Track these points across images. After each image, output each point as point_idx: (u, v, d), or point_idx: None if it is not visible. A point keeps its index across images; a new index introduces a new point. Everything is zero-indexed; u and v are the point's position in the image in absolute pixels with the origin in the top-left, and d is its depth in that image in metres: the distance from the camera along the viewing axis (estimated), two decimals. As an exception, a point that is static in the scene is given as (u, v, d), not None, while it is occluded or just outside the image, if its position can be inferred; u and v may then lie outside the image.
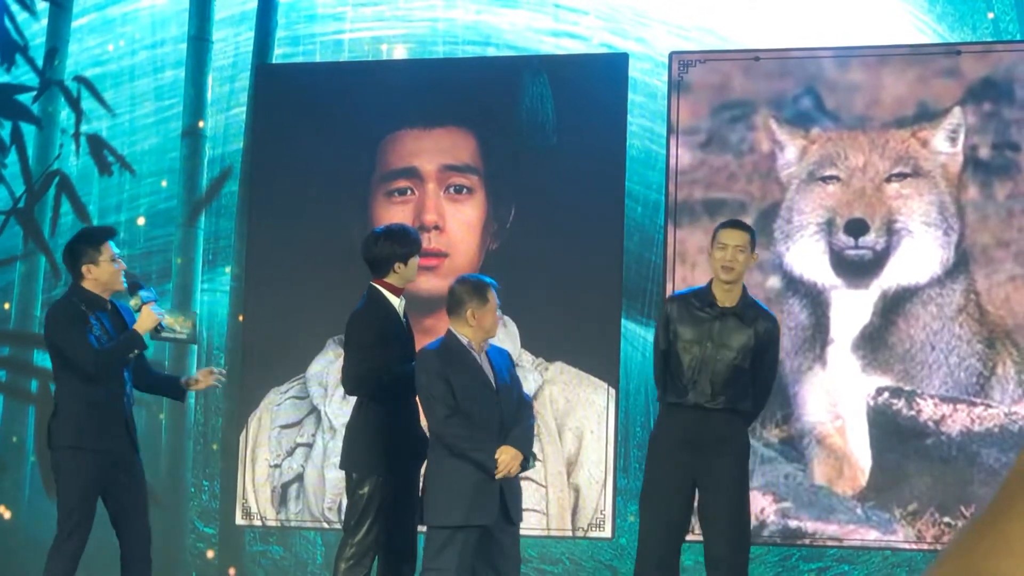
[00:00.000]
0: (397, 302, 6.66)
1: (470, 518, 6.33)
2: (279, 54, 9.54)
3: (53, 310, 6.82)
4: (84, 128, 9.72)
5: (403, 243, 6.64)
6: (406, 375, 6.54)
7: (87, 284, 6.75)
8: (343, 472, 6.76)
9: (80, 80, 9.78)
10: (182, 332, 6.95)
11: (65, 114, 9.78)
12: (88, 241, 6.81)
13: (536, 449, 6.59)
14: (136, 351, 6.77)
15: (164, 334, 6.85)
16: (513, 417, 6.45)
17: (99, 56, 9.83)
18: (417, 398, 6.50)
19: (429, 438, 6.44)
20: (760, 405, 6.47)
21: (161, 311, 6.83)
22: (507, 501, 6.43)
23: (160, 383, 7.15)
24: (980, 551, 0.74)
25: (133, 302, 6.79)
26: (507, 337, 8.78)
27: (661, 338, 6.47)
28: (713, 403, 6.31)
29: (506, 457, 6.32)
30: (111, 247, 6.77)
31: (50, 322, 6.75)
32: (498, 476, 6.33)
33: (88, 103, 9.75)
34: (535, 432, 6.71)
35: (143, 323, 6.72)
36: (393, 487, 6.60)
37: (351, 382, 6.61)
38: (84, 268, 6.73)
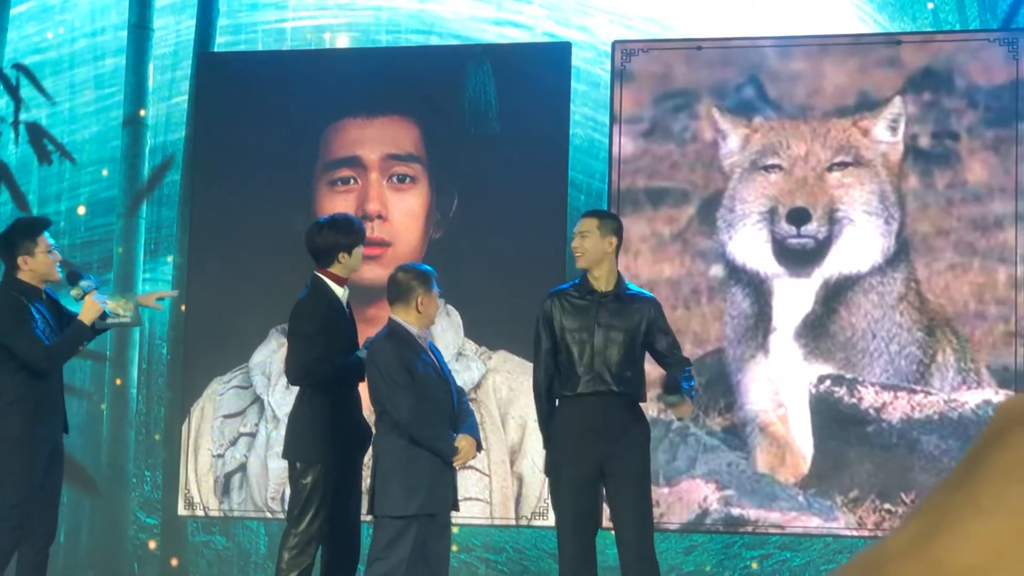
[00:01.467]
0: (341, 292, 6.66)
1: (425, 507, 6.33)
2: (221, 43, 9.49)
3: None
4: (23, 116, 9.64)
5: (347, 233, 6.64)
6: (350, 365, 6.55)
7: (23, 275, 6.69)
8: (286, 462, 6.75)
9: (19, 68, 9.70)
10: (126, 316, 6.91)
11: (4, 102, 9.69)
12: (24, 232, 6.75)
13: (480, 438, 6.63)
14: (85, 343, 6.73)
15: (109, 320, 6.80)
16: (458, 406, 6.50)
17: (38, 44, 9.75)
18: (366, 387, 6.49)
19: (377, 426, 6.44)
20: (685, 359, 6.48)
21: (103, 298, 6.78)
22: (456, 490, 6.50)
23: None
24: (948, 512, 0.74)
25: (74, 292, 6.74)
26: (450, 326, 8.78)
27: (544, 338, 6.50)
28: (610, 388, 6.34)
29: (465, 445, 6.37)
30: (47, 238, 6.72)
31: None
32: (457, 465, 6.39)
33: (27, 91, 9.67)
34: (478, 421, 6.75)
35: (88, 313, 6.67)
36: (336, 476, 6.60)
37: (294, 372, 6.62)
38: (20, 259, 6.68)
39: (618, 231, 6.52)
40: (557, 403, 6.46)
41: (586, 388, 6.35)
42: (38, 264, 6.67)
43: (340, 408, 6.58)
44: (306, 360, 6.52)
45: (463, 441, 6.39)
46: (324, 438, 6.54)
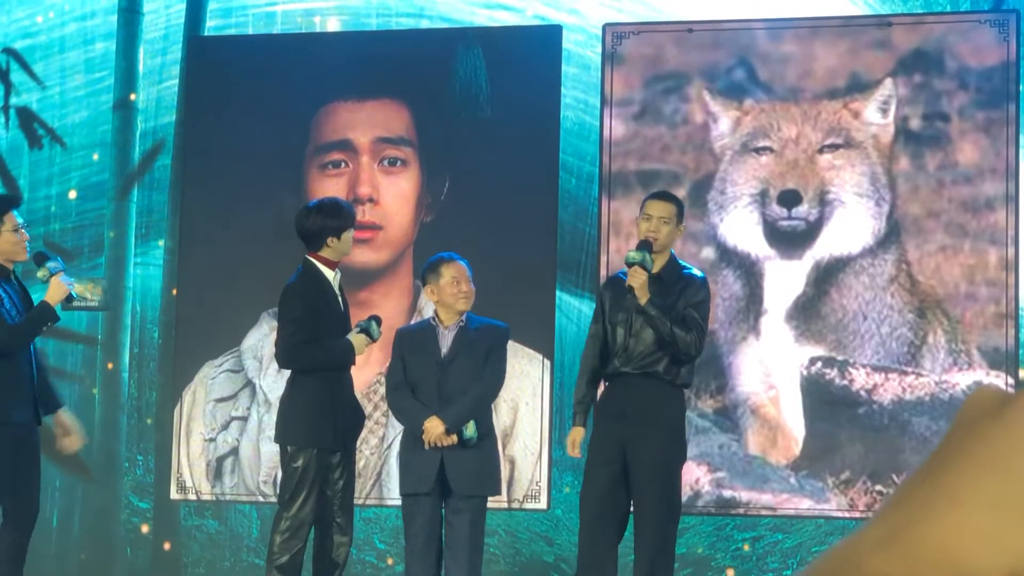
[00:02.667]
0: (332, 275, 6.67)
1: (405, 486, 6.65)
2: (211, 26, 9.47)
3: None
4: (13, 100, 9.62)
5: (336, 217, 6.65)
6: (340, 348, 6.56)
7: None
8: (278, 445, 6.76)
9: (9, 52, 9.67)
10: (93, 300, 6.89)
11: (-6, 87, 9.67)
12: None
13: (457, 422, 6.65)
14: (50, 323, 6.72)
15: (75, 303, 6.79)
16: (459, 390, 6.59)
17: (28, 28, 9.72)
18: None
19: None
20: (689, 325, 6.40)
21: (71, 280, 6.77)
22: (447, 473, 6.54)
23: (44, 390, 6.93)
24: (925, 505, 0.75)
25: (41, 273, 6.73)
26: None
27: (594, 322, 6.55)
28: (642, 370, 6.35)
29: (429, 426, 6.44)
30: (15, 216, 6.70)
31: None
32: (427, 446, 6.48)
33: (17, 75, 9.65)
34: (481, 407, 6.73)
35: (53, 294, 6.66)
36: (328, 460, 6.62)
37: (283, 355, 6.66)
38: None
39: (683, 217, 6.58)
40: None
41: (616, 370, 6.39)
42: (4, 242, 6.65)
43: (331, 391, 6.59)
44: (294, 343, 6.55)
45: (428, 422, 6.52)
46: (315, 422, 6.56)
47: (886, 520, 0.76)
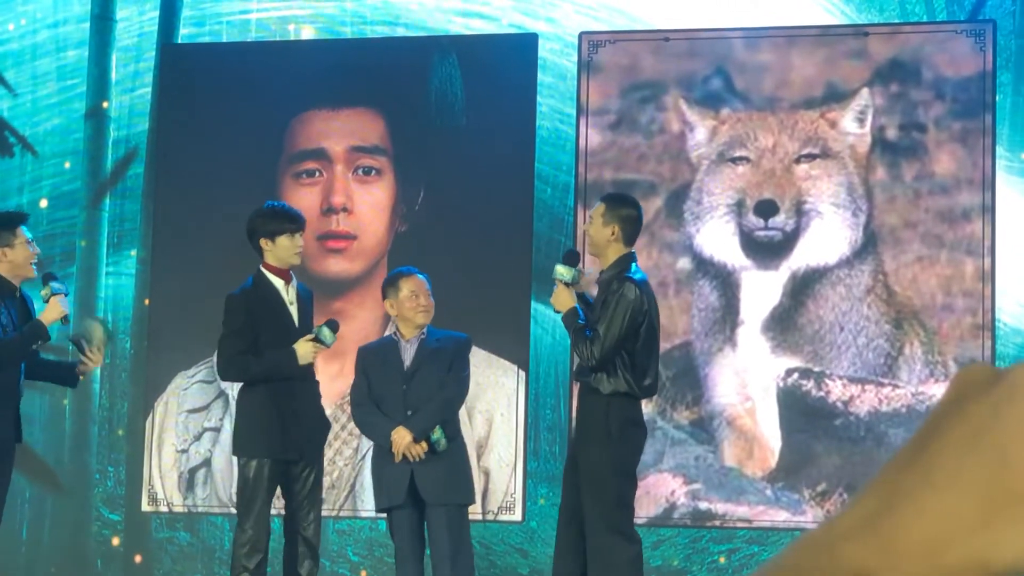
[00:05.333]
0: (281, 284, 6.59)
1: (380, 502, 6.67)
2: (185, 34, 9.41)
3: None
4: (-15, 108, 9.55)
5: (270, 220, 6.58)
6: (278, 358, 6.47)
7: (1, 268, 6.71)
8: (243, 457, 6.74)
9: (-20, 60, 9.61)
10: (95, 348, 7.03)
11: (-35, 94, 9.60)
12: (3, 224, 6.77)
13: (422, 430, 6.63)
14: (40, 342, 6.71)
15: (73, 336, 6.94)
16: (423, 402, 6.58)
17: (-1, 35, 9.66)
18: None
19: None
20: (586, 333, 6.28)
21: (68, 305, 6.79)
22: (417, 483, 6.54)
23: (51, 369, 7.06)
24: (901, 490, 0.70)
25: (44, 292, 6.80)
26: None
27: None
28: (582, 380, 6.38)
29: (396, 437, 6.44)
30: (24, 232, 6.75)
31: None
32: (397, 459, 6.48)
33: (-12, 83, 9.58)
34: (447, 412, 6.68)
35: (49, 314, 6.69)
36: (285, 470, 6.56)
37: (220, 367, 6.73)
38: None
39: (624, 218, 6.39)
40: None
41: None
42: (17, 255, 6.71)
43: (280, 401, 6.49)
44: (230, 355, 6.54)
45: (395, 433, 6.52)
46: (264, 432, 6.49)
47: (863, 505, 0.72)
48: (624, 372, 6.25)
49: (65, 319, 6.75)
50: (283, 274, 6.59)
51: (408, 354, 6.67)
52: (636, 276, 6.38)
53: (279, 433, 6.47)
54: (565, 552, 6.32)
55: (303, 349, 6.47)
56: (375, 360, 6.72)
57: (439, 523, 6.55)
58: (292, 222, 6.58)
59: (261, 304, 6.53)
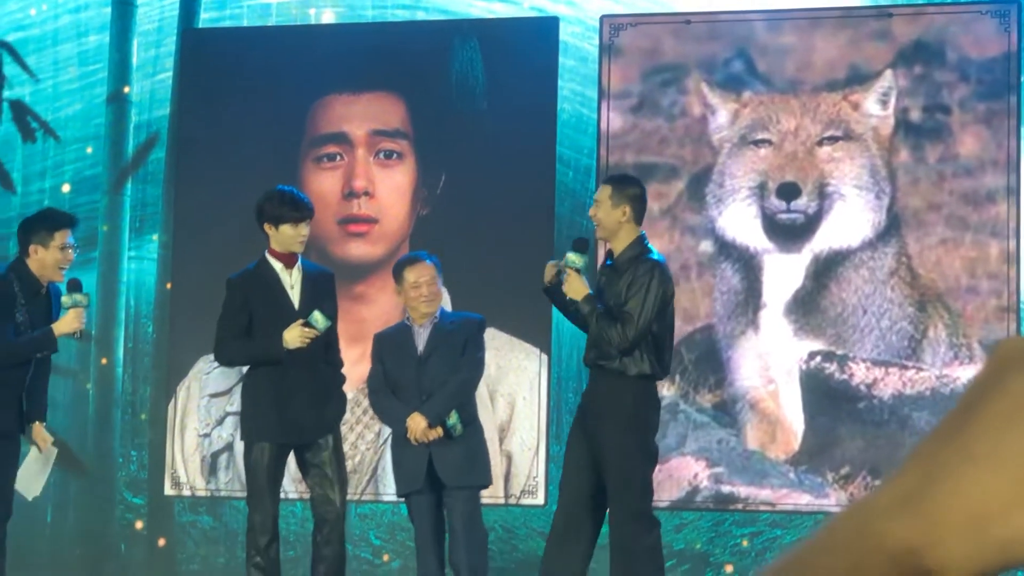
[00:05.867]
0: (281, 268, 6.56)
1: (400, 487, 6.70)
2: (205, 19, 9.41)
3: None
4: (7, 94, 9.56)
5: (276, 206, 6.55)
6: (262, 343, 6.45)
7: (31, 263, 6.74)
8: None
9: (2, 45, 9.61)
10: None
11: (-13, 79, 9.61)
12: (45, 222, 6.80)
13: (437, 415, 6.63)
14: (47, 351, 6.73)
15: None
16: (438, 386, 6.58)
17: (21, 20, 9.66)
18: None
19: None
20: (615, 316, 6.23)
21: (84, 320, 6.73)
22: (435, 467, 6.56)
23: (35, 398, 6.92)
24: (941, 464, 0.68)
25: (65, 299, 6.76)
26: (438, 303, 8.73)
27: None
28: (592, 362, 6.32)
29: (411, 423, 6.42)
30: (67, 236, 6.73)
31: None
32: (413, 443, 6.49)
33: (10, 68, 9.59)
34: (461, 396, 6.67)
35: (63, 326, 6.68)
36: (296, 455, 6.59)
37: (214, 350, 6.72)
38: (32, 247, 6.74)
39: (633, 198, 6.35)
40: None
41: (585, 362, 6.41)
42: (47, 256, 6.71)
43: (275, 385, 6.47)
44: (218, 338, 6.62)
45: (410, 419, 6.53)
46: (261, 416, 6.48)
47: (902, 482, 0.70)
48: (648, 354, 6.22)
49: (78, 334, 6.74)
50: (286, 258, 6.56)
51: (421, 339, 6.67)
52: (658, 257, 6.37)
53: (276, 417, 6.45)
54: (570, 536, 6.26)
55: (291, 334, 6.38)
56: (390, 346, 6.73)
57: (457, 506, 6.57)
58: (296, 211, 6.51)
59: (259, 287, 6.52)
